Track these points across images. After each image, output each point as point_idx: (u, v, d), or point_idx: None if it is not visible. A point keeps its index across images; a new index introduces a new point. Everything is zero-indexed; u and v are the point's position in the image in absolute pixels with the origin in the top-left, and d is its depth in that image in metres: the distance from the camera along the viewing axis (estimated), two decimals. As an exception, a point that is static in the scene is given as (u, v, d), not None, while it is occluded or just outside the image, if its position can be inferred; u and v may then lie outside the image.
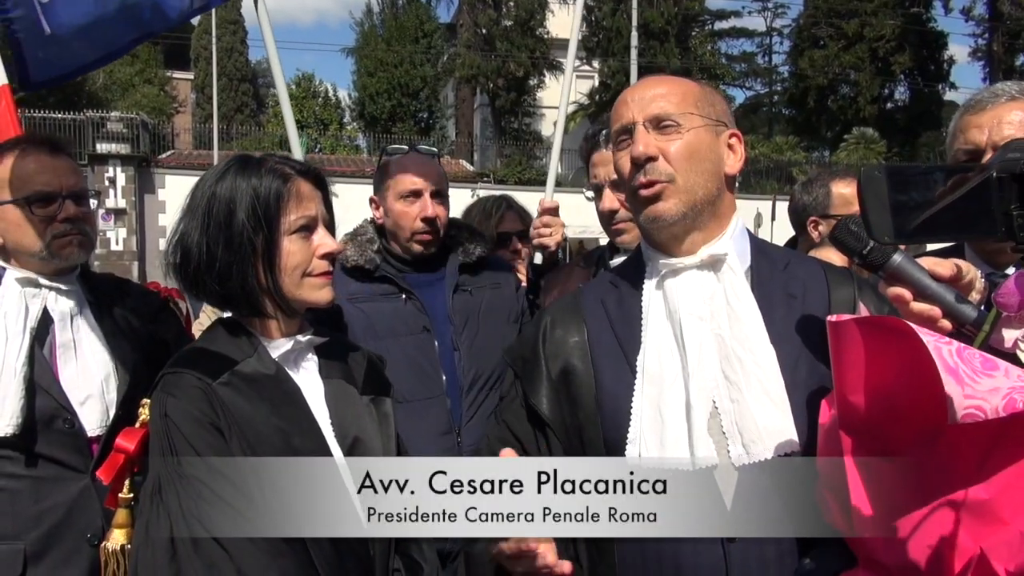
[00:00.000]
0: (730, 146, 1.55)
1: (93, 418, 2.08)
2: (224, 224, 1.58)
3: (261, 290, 1.60)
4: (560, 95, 3.15)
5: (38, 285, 2.12)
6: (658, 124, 1.49)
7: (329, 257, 1.66)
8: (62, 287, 2.16)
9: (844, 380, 1.21)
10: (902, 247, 1.32)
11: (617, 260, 2.35)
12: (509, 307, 2.77)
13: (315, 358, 1.72)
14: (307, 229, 1.63)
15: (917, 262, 1.31)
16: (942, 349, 1.09)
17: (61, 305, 2.14)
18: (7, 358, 1.99)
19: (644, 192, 1.49)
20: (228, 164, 1.66)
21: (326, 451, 1.61)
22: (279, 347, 1.65)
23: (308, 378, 1.69)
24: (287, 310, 1.64)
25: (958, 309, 1.26)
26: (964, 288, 1.32)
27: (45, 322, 2.11)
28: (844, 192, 2.79)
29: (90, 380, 2.11)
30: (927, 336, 1.10)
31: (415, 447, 2.41)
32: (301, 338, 1.68)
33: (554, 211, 2.95)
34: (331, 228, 1.71)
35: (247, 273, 1.58)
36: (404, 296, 2.63)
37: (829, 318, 1.25)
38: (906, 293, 1.30)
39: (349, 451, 1.64)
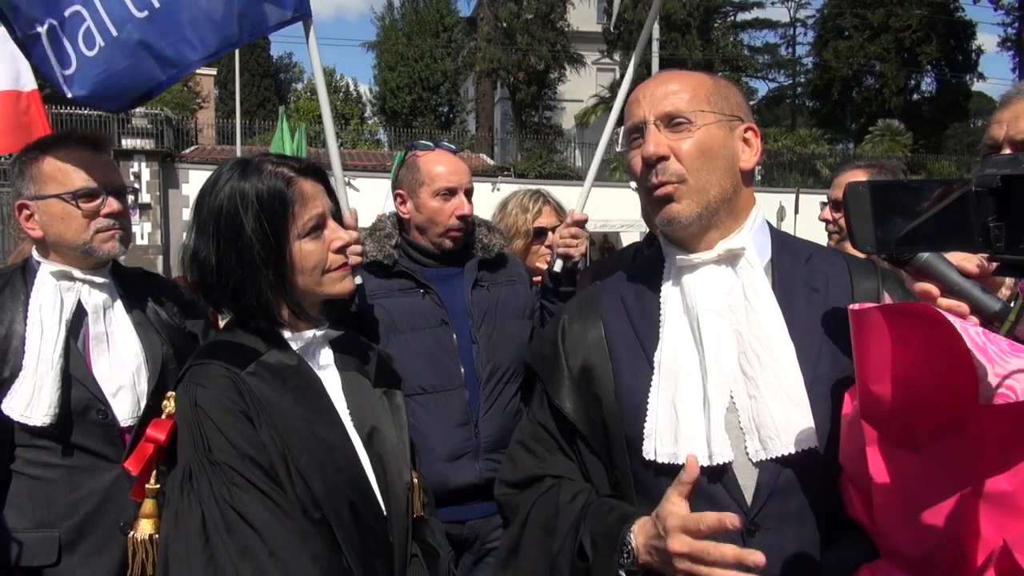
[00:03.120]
0: (745, 140, 1.52)
1: (125, 409, 2.13)
2: (233, 239, 1.59)
3: (276, 298, 1.62)
4: (615, 104, 3.09)
5: (72, 279, 2.17)
6: (669, 122, 1.47)
7: (343, 249, 1.68)
8: (96, 280, 2.20)
9: (867, 370, 1.20)
10: None
11: None
12: (524, 303, 2.81)
13: (331, 351, 1.75)
14: (318, 228, 1.65)
15: (944, 257, 1.30)
16: (969, 330, 1.09)
17: (95, 298, 2.19)
18: (43, 350, 2.04)
19: (657, 193, 1.47)
20: (228, 174, 1.64)
21: (347, 440, 1.64)
22: (299, 340, 1.68)
23: (326, 370, 1.72)
24: (301, 315, 1.67)
25: (986, 304, 1.25)
26: (993, 283, 1.32)
27: (79, 315, 2.15)
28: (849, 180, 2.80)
29: (122, 372, 2.15)
30: (954, 318, 1.11)
31: (433, 438, 2.47)
32: (318, 332, 1.71)
33: (583, 224, 2.94)
34: (338, 217, 1.72)
35: (261, 285, 1.60)
36: (422, 291, 2.67)
37: (851, 306, 1.23)
38: (933, 289, 1.29)
39: (367, 440, 1.68)
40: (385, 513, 1.65)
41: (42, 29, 2.31)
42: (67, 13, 2.36)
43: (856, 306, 1.23)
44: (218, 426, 1.51)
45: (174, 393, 1.61)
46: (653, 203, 1.50)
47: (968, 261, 1.30)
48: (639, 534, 1.36)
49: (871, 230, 0.91)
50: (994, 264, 1.31)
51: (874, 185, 0.92)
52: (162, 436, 1.58)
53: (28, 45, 2.36)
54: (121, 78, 2.41)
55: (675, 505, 1.30)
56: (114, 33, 2.40)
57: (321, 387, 1.67)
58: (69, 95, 2.37)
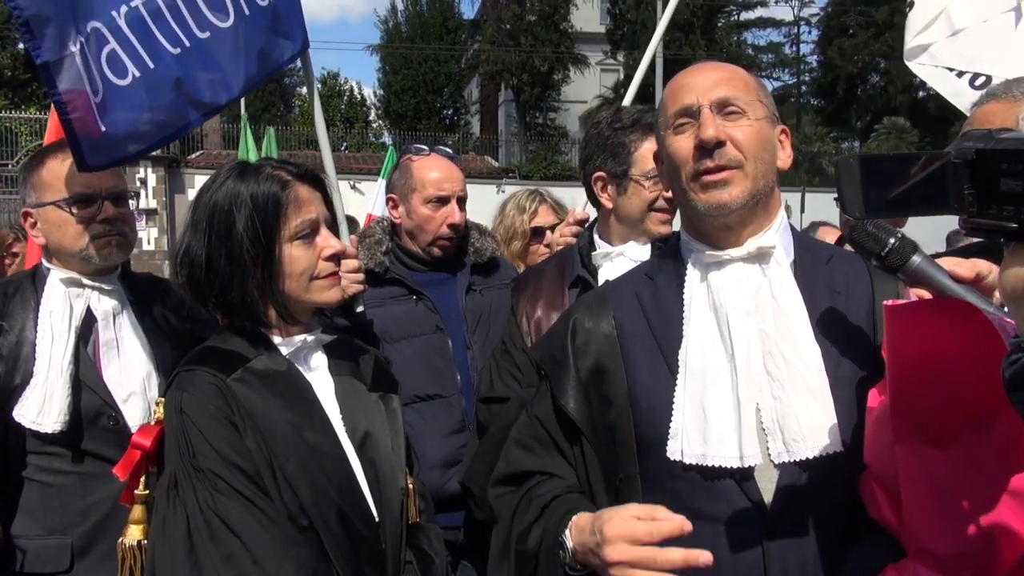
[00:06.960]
0: (780, 141, 1.53)
1: (136, 415, 2.12)
2: (224, 236, 1.60)
3: (262, 300, 1.63)
4: (627, 97, 3.01)
5: (81, 285, 2.17)
6: (722, 108, 1.46)
7: (334, 258, 1.68)
8: (104, 287, 2.20)
9: (900, 365, 1.19)
10: (922, 250, 1.32)
11: (604, 257, 2.23)
12: None
13: (324, 356, 1.75)
14: (310, 233, 1.65)
15: (937, 263, 1.30)
16: (1006, 326, 1.09)
17: (104, 304, 2.19)
18: (54, 357, 2.04)
19: (710, 178, 1.44)
20: (227, 174, 1.67)
21: (337, 445, 1.64)
22: (289, 345, 1.68)
23: (318, 375, 1.72)
24: (288, 318, 1.66)
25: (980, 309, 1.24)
26: (986, 289, 1.31)
27: (89, 321, 2.16)
28: None
29: (132, 378, 2.15)
30: (991, 314, 1.11)
31: (428, 445, 2.42)
32: (310, 337, 1.71)
33: (584, 222, 2.92)
34: (333, 226, 1.72)
35: (247, 284, 1.61)
36: (415, 297, 2.64)
37: (885, 302, 1.23)
38: (926, 295, 1.29)
39: (359, 446, 1.67)
40: (378, 519, 1.65)
41: (75, 48, 2.08)
42: (89, 28, 2.14)
43: (890, 302, 1.22)
44: (203, 433, 1.51)
45: (163, 399, 1.62)
46: (702, 188, 1.46)
47: (961, 267, 1.29)
48: (574, 533, 1.36)
49: (860, 198, 1.00)
50: (990, 269, 1.32)
51: (863, 157, 1.02)
52: (148, 442, 1.59)
53: (60, 66, 2.04)
54: (157, 114, 2.29)
55: (628, 510, 1.28)
56: (150, 65, 2.25)
57: (311, 392, 1.66)
58: (103, 129, 2.11)
